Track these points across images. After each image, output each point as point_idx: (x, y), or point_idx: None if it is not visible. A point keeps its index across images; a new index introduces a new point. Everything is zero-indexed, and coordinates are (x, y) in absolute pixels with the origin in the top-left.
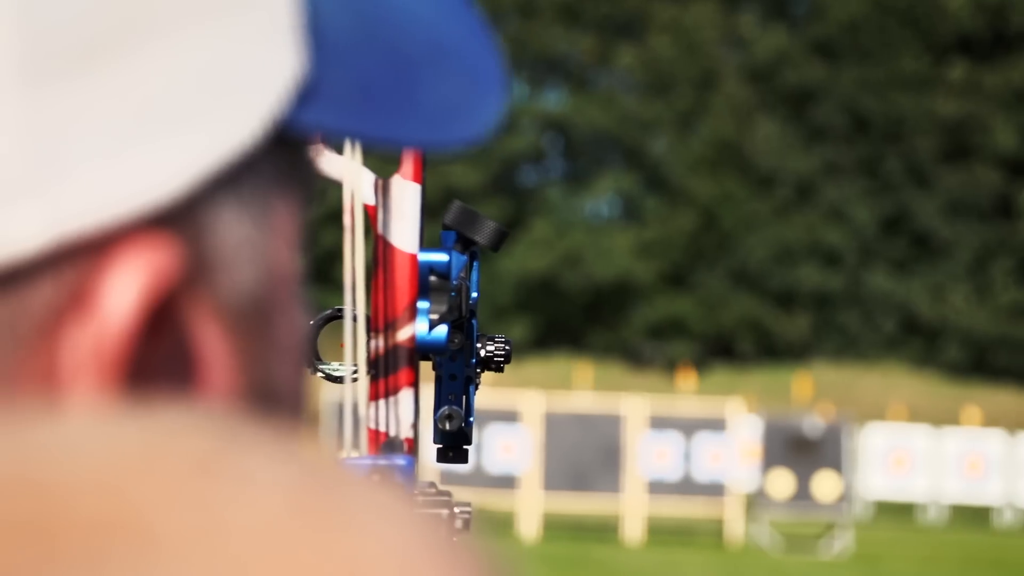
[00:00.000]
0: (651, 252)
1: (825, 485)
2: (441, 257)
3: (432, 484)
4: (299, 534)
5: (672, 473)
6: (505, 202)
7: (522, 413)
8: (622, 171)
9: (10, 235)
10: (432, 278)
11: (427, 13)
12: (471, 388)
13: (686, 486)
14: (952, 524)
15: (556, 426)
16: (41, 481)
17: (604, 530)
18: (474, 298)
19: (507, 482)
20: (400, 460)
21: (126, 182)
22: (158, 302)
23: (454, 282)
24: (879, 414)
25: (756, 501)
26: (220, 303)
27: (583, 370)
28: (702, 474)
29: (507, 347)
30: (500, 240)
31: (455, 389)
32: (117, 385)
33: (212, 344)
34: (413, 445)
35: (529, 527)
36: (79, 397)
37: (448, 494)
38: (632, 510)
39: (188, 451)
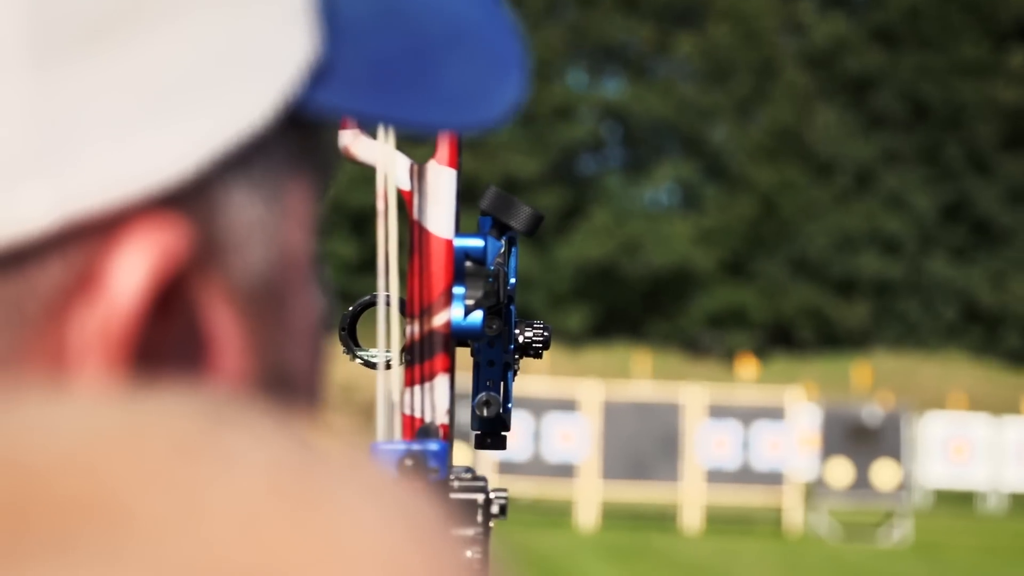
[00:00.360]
0: (710, 240)
1: (884, 474)
2: (477, 243)
3: (468, 469)
4: (277, 515)
5: (731, 462)
6: (564, 190)
7: (581, 402)
8: (681, 159)
9: (17, 214)
10: (468, 263)
11: None
12: (509, 374)
13: (745, 475)
14: (1012, 513)
15: (615, 415)
16: (17, 460)
17: (662, 519)
18: (512, 284)
19: (566, 471)
20: (433, 445)
21: (135, 163)
22: (167, 283)
23: (490, 267)
24: (939, 402)
25: (815, 490)
26: (232, 285)
27: (642, 358)
28: (761, 463)
29: (546, 333)
30: (535, 225)
31: (493, 375)
32: (125, 367)
33: (224, 326)
34: (448, 431)
35: (587, 516)
36: (84, 379)
37: (484, 479)
38: (690, 499)
39: (171, 432)
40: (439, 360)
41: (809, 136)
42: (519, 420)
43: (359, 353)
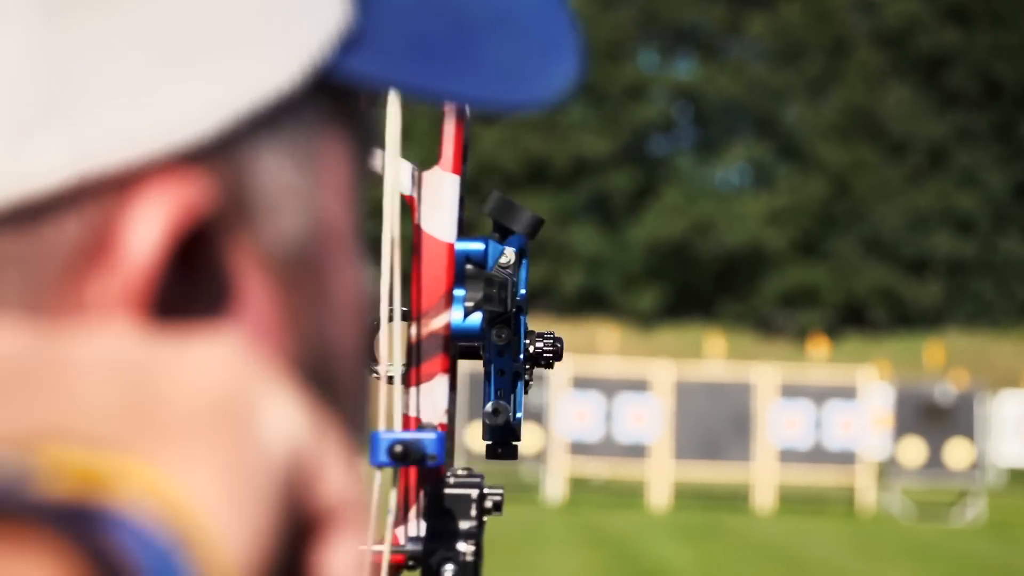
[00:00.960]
0: (782, 220)
1: (957, 453)
2: (477, 246)
3: (467, 469)
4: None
5: (803, 442)
6: (635, 171)
7: (652, 382)
8: (753, 139)
9: (32, 168)
10: (468, 266)
11: None
12: (520, 384)
13: (817, 454)
14: None
15: (687, 395)
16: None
17: (735, 499)
18: (522, 295)
19: (638, 451)
20: (430, 434)
21: (153, 118)
22: (185, 238)
23: (490, 270)
24: (1012, 381)
25: (888, 469)
26: (265, 250)
27: (714, 338)
28: (833, 442)
29: (557, 344)
30: (536, 229)
31: (503, 385)
32: (145, 322)
33: (257, 292)
34: (447, 430)
35: (660, 496)
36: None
37: (480, 476)
38: (763, 479)
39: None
40: (438, 361)
41: (881, 115)
42: (591, 401)
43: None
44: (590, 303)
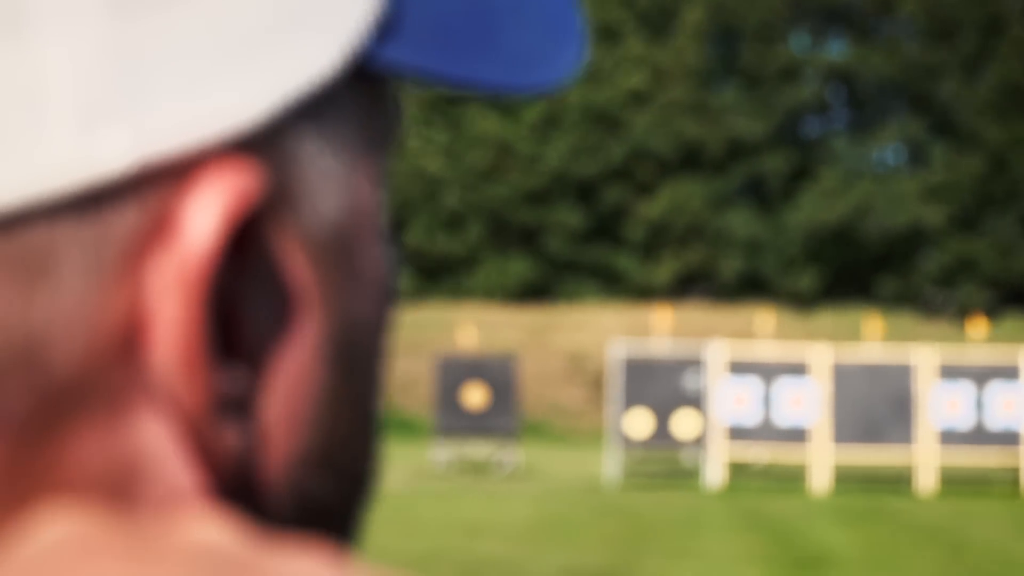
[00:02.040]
0: (939, 197)
1: None
2: None
3: None
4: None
5: (964, 422)
6: (789, 153)
7: (811, 365)
8: (907, 118)
9: (97, 156)
10: None
11: None
12: None
13: (979, 435)
14: None
15: (845, 378)
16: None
17: (896, 481)
18: None
19: (797, 435)
20: None
21: (209, 107)
22: (240, 223)
23: None
24: None
25: None
26: (304, 231)
27: (872, 320)
28: (995, 423)
29: None
30: None
31: None
32: (203, 308)
33: (299, 270)
34: None
35: (820, 480)
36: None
37: None
38: (924, 461)
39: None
40: None
41: None
42: (749, 385)
43: None
44: (748, 287)
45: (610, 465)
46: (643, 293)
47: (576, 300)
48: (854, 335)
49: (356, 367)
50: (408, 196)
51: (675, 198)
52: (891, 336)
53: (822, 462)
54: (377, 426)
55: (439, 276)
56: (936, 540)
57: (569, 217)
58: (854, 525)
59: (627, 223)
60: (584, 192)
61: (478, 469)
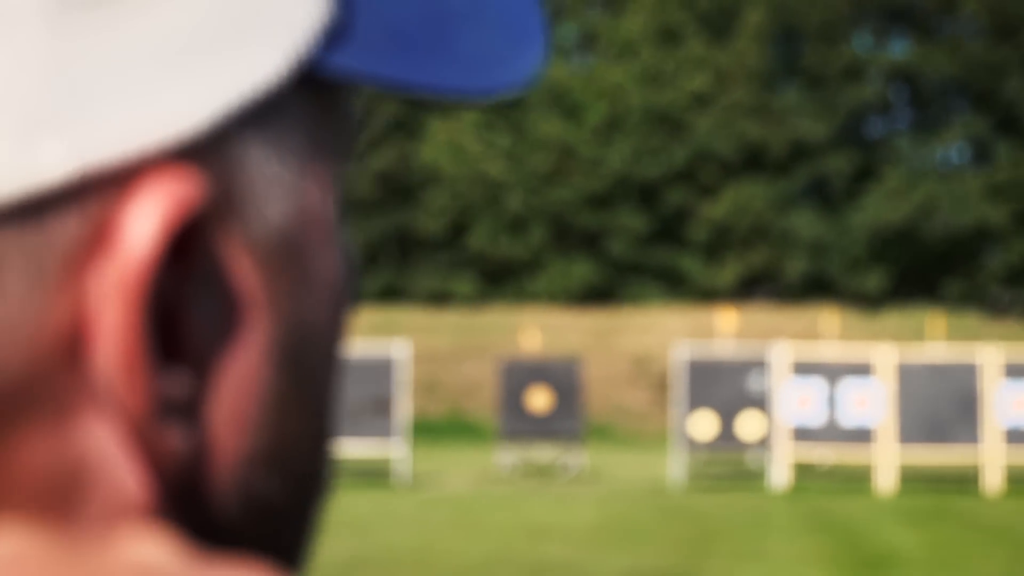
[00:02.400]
0: (1004, 196)
1: None
2: None
3: None
4: None
5: None
6: (852, 153)
7: (875, 366)
8: (971, 116)
9: (36, 165)
10: None
11: None
12: None
13: None
14: None
15: (910, 378)
16: None
17: (963, 481)
18: None
19: (862, 436)
20: None
21: (150, 116)
22: (181, 230)
23: None
24: None
25: None
26: (251, 237)
27: (937, 320)
28: None
29: None
30: None
31: None
32: (143, 314)
33: (245, 275)
34: None
35: (886, 481)
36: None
37: None
38: (990, 460)
39: None
40: None
41: None
42: (814, 386)
43: None
44: (813, 288)
45: (675, 467)
46: (707, 295)
47: (640, 302)
48: (919, 335)
49: (307, 370)
50: (471, 200)
51: (738, 199)
52: (957, 336)
53: (887, 462)
54: (330, 429)
55: (502, 280)
56: (1002, 540)
57: (632, 220)
58: (920, 525)
59: (690, 225)
60: (647, 194)
61: (543, 472)
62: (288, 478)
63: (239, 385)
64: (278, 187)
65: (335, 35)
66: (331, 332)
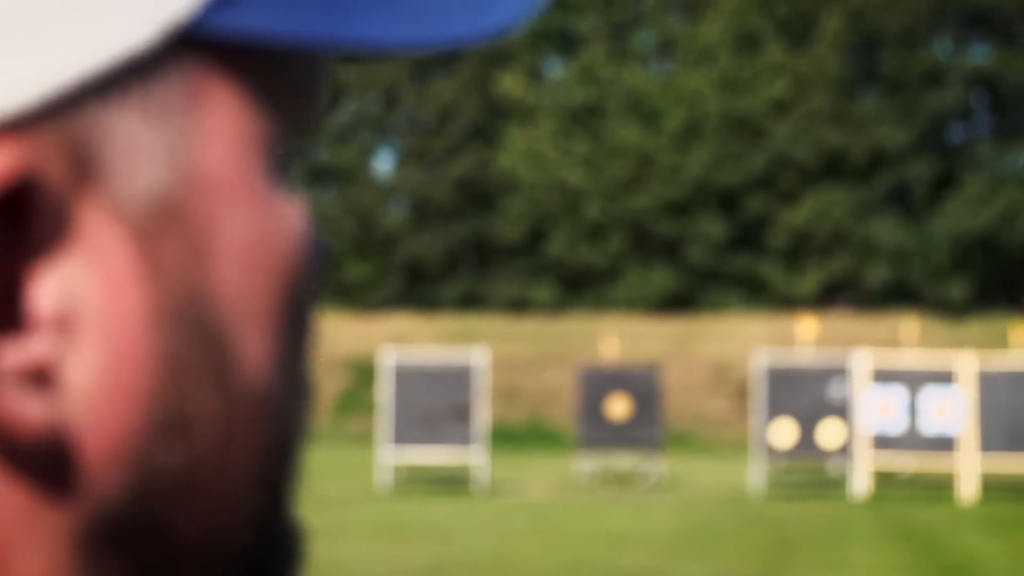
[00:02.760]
0: None
1: None
2: None
3: None
4: None
5: None
6: (933, 160)
7: (956, 373)
8: None
9: None
10: None
11: None
12: None
13: None
14: None
15: (991, 385)
16: None
17: None
18: None
19: (943, 444)
20: None
21: None
22: (11, 199)
23: None
24: None
25: None
26: (119, 204)
27: (1019, 328)
28: None
29: None
30: None
31: None
32: None
33: (113, 243)
34: None
35: (968, 489)
36: None
37: None
38: None
39: None
40: None
41: None
42: (894, 394)
43: None
44: (894, 296)
45: (755, 475)
46: (787, 302)
47: (720, 310)
48: (1001, 343)
49: (212, 336)
50: (549, 207)
51: (818, 206)
52: None
53: (969, 471)
54: (269, 393)
55: (581, 287)
56: None
57: (711, 226)
58: (1002, 534)
59: (770, 232)
60: (726, 201)
61: (622, 480)
62: (199, 446)
63: (119, 354)
64: (150, 153)
65: None
66: (251, 294)
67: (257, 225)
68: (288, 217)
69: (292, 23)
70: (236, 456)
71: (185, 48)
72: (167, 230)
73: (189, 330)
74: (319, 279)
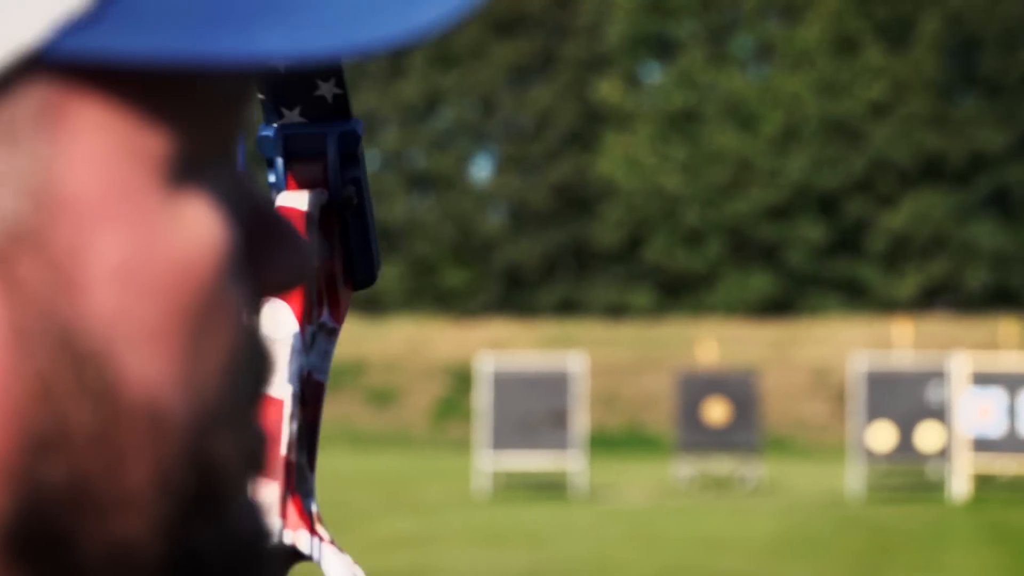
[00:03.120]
0: None
1: None
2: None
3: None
4: None
5: None
6: None
7: None
8: None
9: None
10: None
11: None
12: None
13: None
14: None
15: None
16: None
17: None
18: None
19: None
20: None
21: None
22: None
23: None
24: None
25: None
26: None
27: None
28: None
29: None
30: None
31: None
32: None
33: None
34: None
35: None
36: None
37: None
38: None
39: None
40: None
41: None
42: (993, 397)
43: None
44: (994, 299)
45: (853, 479)
46: (886, 305)
47: (819, 314)
48: None
49: (86, 355)
50: (647, 213)
51: (917, 210)
52: None
53: None
54: (158, 408)
55: (679, 292)
56: None
57: (810, 231)
58: None
59: (869, 235)
60: (825, 205)
61: (720, 485)
62: (84, 462)
63: None
64: (3, 180)
65: (95, 15)
66: (136, 311)
67: (140, 243)
68: (192, 229)
69: (159, 42)
70: (133, 470)
71: (36, 73)
72: (23, 254)
73: (56, 350)
74: (271, 281)
